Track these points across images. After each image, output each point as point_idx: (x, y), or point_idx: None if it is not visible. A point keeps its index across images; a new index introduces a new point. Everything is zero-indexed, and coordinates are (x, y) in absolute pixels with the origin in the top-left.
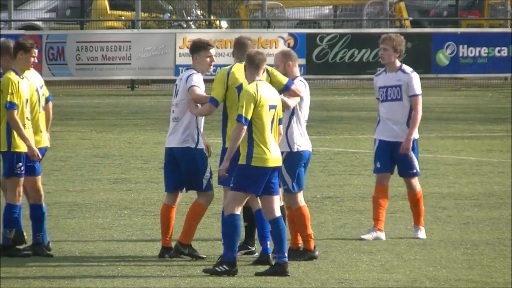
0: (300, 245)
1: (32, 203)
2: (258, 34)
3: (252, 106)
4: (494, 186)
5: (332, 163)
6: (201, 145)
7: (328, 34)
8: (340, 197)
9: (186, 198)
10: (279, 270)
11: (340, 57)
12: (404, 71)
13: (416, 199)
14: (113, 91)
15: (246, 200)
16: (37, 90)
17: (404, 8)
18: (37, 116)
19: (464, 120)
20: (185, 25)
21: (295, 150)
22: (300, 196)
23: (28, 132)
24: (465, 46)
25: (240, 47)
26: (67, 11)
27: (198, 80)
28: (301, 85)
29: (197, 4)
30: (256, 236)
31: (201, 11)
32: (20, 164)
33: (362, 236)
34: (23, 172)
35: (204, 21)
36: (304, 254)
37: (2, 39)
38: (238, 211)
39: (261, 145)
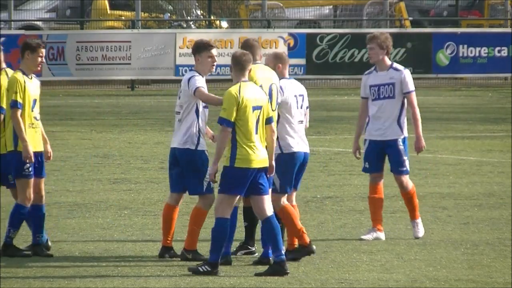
0: (296, 245)
1: (33, 204)
2: (258, 34)
3: (235, 108)
4: (494, 186)
5: (332, 163)
6: (202, 147)
7: (328, 34)
8: (340, 197)
9: (187, 197)
10: (278, 269)
11: (340, 57)
12: (396, 69)
13: (409, 196)
14: (113, 91)
15: (235, 201)
16: None
17: (404, 8)
18: None
19: (464, 120)
20: (185, 25)
21: (285, 151)
22: (284, 198)
23: (37, 132)
24: (465, 46)
25: (249, 49)
26: (67, 11)
27: (200, 81)
28: (282, 84)
29: (197, 4)
30: (257, 236)
31: (201, 11)
32: (28, 165)
33: (362, 237)
34: (31, 173)
35: (204, 21)
36: (301, 250)
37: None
38: (228, 214)
39: (244, 146)
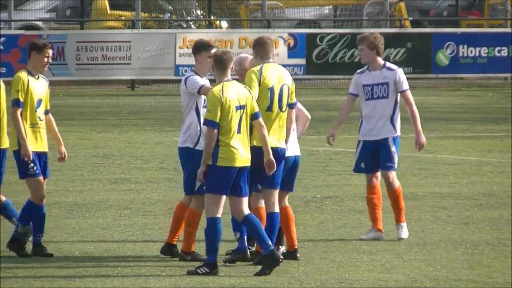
0: (296, 246)
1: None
2: (258, 34)
3: (219, 108)
4: (494, 186)
5: (332, 163)
6: (201, 147)
7: (328, 34)
8: (340, 197)
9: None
10: (269, 260)
11: (340, 57)
12: (389, 68)
13: (395, 195)
14: (113, 91)
15: (222, 200)
16: None
17: (404, 8)
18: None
19: (464, 120)
20: (185, 25)
21: None
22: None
23: (40, 132)
24: (465, 46)
25: (262, 46)
26: (67, 11)
27: (199, 79)
28: None
29: (197, 4)
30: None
31: (201, 11)
32: (32, 164)
33: (362, 237)
34: (37, 171)
35: (204, 21)
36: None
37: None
38: (218, 213)
39: (226, 145)
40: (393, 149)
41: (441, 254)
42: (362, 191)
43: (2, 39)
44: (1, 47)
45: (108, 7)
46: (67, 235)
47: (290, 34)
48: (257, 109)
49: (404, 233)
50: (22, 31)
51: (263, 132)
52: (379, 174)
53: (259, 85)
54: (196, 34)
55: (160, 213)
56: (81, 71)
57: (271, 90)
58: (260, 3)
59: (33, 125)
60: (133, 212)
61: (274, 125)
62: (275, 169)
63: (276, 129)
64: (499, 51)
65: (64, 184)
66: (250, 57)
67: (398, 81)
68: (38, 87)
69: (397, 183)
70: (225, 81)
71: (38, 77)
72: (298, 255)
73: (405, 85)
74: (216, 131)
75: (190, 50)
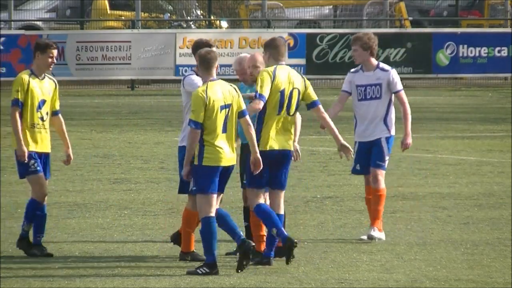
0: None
1: None
2: (258, 34)
3: (203, 109)
4: (494, 186)
5: (332, 163)
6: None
7: (328, 34)
8: (340, 197)
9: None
10: (244, 249)
11: (340, 57)
12: (383, 69)
13: (378, 195)
14: (113, 91)
15: (214, 198)
16: None
17: (404, 8)
18: None
19: (464, 120)
20: (185, 25)
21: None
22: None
23: (42, 132)
24: (465, 46)
25: (276, 48)
26: (67, 11)
27: (198, 80)
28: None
29: (197, 4)
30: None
31: (201, 11)
32: (33, 161)
33: (362, 237)
34: (37, 168)
35: (204, 21)
36: (256, 255)
37: None
38: (212, 212)
39: (211, 145)
40: (386, 149)
41: (441, 254)
42: (362, 191)
43: (2, 39)
44: (1, 47)
45: (108, 7)
46: (67, 235)
47: (290, 34)
48: (243, 107)
49: (375, 234)
50: (22, 31)
51: (250, 130)
52: None
53: (271, 86)
54: (196, 34)
55: (160, 213)
56: (81, 71)
57: (282, 93)
58: (260, 3)
59: (33, 126)
60: (133, 212)
61: (282, 128)
62: (261, 167)
63: (283, 131)
64: (499, 51)
65: (64, 184)
66: (246, 57)
67: (391, 81)
68: (42, 87)
69: (383, 184)
70: (210, 80)
71: (44, 78)
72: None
73: (399, 86)
74: (199, 131)
75: (190, 50)
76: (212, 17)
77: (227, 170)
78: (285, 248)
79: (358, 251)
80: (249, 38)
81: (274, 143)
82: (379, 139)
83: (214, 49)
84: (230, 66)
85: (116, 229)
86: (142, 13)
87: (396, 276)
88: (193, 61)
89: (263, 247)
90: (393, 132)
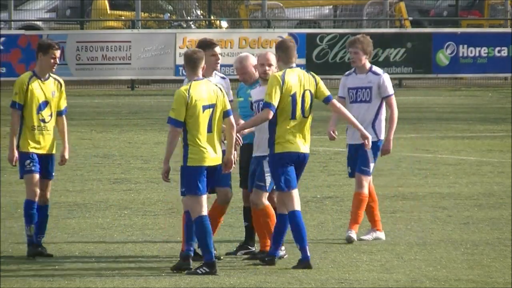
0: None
1: (38, 204)
2: (258, 34)
3: (184, 108)
4: (494, 186)
5: (332, 163)
6: None
7: (328, 34)
8: (340, 197)
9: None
10: (181, 263)
11: (340, 57)
12: (375, 73)
13: (359, 198)
14: (113, 91)
15: (203, 198)
16: None
17: (404, 8)
18: None
19: (464, 120)
20: (185, 25)
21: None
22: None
23: (43, 134)
24: (465, 46)
25: (285, 50)
26: (67, 11)
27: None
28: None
29: (197, 4)
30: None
31: (201, 11)
32: (28, 161)
33: (362, 237)
34: (32, 168)
35: (204, 21)
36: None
37: None
38: (203, 211)
39: (195, 145)
40: (371, 153)
41: (441, 254)
42: None
43: (2, 39)
44: (1, 47)
45: (108, 7)
46: (67, 235)
47: (290, 34)
48: (228, 107)
49: (353, 236)
50: (22, 31)
51: (231, 131)
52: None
53: (281, 92)
54: (196, 34)
55: (160, 213)
56: (81, 71)
57: (293, 97)
58: (260, 3)
59: (34, 128)
60: (133, 212)
61: (299, 132)
62: (231, 169)
63: (301, 135)
64: (499, 51)
65: (64, 184)
66: (251, 56)
67: (381, 85)
68: (44, 89)
69: (366, 189)
70: (195, 80)
71: (48, 78)
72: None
73: (390, 91)
74: (179, 130)
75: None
76: (212, 17)
77: (212, 170)
78: (299, 266)
79: (358, 251)
80: (249, 38)
81: (292, 146)
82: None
83: (218, 48)
84: (230, 66)
85: (116, 229)
86: (142, 13)
87: (396, 276)
88: None
89: (267, 245)
90: (381, 137)
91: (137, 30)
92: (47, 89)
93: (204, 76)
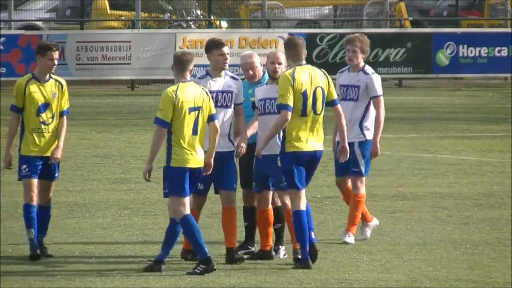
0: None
1: (40, 205)
2: (258, 34)
3: (171, 109)
4: (494, 186)
5: (332, 163)
6: None
7: (328, 34)
8: (340, 197)
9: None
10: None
11: (340, 57)
12: (365, 72)
13: (356, 200)
14: (113, 91)
15: (186, 200)
16: None
17: (404, 8)
18: None
19: (464, 120)
20: (185, 25)
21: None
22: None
23: (44, 136)
24: (465, 46)
25: (294, 48)
26: (67, 11)
27: (202, 82)
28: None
29: (197, 4)
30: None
31: (201, 11)
32: (25, 166)
33: (359, 238)
34: (28, 173)
35: (204, 21)
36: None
37: None
38: (186, 211)
39: (179, 146)
40: (359, 154)
41: (441, 254)
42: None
43: (2, 39)
44: (1, 47)
45: (108, 7)
46: (67, 235)
47: (290, 34)
48: (213, 111)
49: (349, 239)
50: (22, 31)
51: (215, 136)
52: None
53: (293, 90)
54: (196, 34)
55: (160, 213)
56: (81, 71)
57: (304, 94)
58: (260, 3)
59: (34, 130)
60: (133, 212)
61: (310, 129)
62: (209, 172)
63: (312, 133)
64: (499, 51)
65: (64, 184)
66: (255, 53)
67: (369, 85)
68: (44, 91)
69: (362, 190)
70: (182, 81)
71: (48, 80)
72: (273, 253)
73: (378, 91)
74: (165, 130)
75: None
76: (212, 17)
77: (195, 171)
78: (299, 266)
79: (358, 251)
80: (249, 38)
81: (303, 145)
82: (351, 144)
83: (226, 48)
84: (230, 66)
85: (116, 229)
86: (142, 13)
87: (396, 276)
88: (197, 61)
89: (268, 244)
90: (369, 137)
91: (137, 30)
92: (47, 91)
93: (213, 76)
